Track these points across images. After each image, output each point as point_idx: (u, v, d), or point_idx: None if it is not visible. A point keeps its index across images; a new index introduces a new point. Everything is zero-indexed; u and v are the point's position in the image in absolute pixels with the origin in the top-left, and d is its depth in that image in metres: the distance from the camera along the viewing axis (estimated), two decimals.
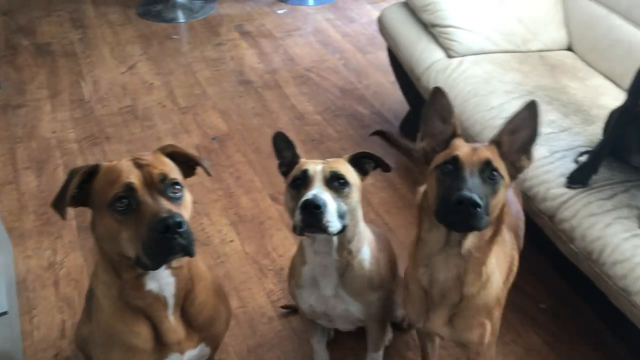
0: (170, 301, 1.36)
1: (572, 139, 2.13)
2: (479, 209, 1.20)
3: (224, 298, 1.56)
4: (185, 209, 1.27)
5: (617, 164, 2.01)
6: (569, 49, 2.78)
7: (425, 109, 1.40)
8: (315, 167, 1.47)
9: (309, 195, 1.39)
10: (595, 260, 1.79)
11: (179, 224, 1.17)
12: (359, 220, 1.60)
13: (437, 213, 1.28)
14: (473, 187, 1.23)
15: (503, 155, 1.35)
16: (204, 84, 3.65)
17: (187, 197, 1.31)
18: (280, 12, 4.55)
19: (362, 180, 1.60)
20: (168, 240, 1.17)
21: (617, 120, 1.89)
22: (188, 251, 1.22)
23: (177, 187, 1.27)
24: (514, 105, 2.28)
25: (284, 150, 1.59)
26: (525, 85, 2.42)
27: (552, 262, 2.30)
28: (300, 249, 1.66)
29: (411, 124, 3.17)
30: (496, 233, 1.36)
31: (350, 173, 1.52)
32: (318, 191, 1.41)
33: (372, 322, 1.79)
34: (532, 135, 1.35)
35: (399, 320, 2.08)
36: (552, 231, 1.95)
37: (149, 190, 1.22)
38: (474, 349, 1.56)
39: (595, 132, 2.13)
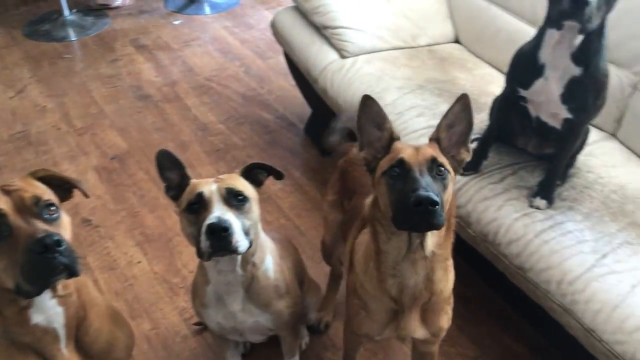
0: (62, 333, 1.29)
1: None
2: (437, 207, 1.20)
3: (122, 322, 1.49)
4: (64, 230, 1.22)
5: (505, 148, 2.10)
6: (456, 41, 2.89)
7: (358, 119, 1.39)
8: (209, 187, 1.41)
9: (212, 218, 1.33)
10: (492, 241, 1.87)
11: (58, 242, 1.12)
12: (260, 231, 1.57)
13: (394, 219, 1.26)
14: (427, 186, 1.22)
15: (444, 151, 1.37)
16: (100, 103, 3.52)
17: (65, 218, 1.25)
18: (176, 22, 4.46)
19: (257, 191, 1.56)
20: (48, 261, 1.11)
21: (499, 107, 1.98)
22: (72, 270, 1.17)
23: (52, 208, 1.21)
24: (406, 100, 2.36)
25: (170, 171, 1.48)
26: (416, 79, 2.48)
27: (455, 247, 2.38)
28: (202, 269, 1.59)
29: (315, 126, 3.19)
30: (450, 226, 1.38)
31: (246, 187, 1.47)
32: (221, 212, 1.35)
33: (283, 330, 1.77)
34: (467, 127, 1.39)
35: (313, 322, 2.08)
36: None
37: (21, 215, 1.16)
38: (436, 336, 1.56)
39: (484, 119, 2.22)
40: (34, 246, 1.10)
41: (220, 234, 1.32)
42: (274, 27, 3.03)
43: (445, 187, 1.29)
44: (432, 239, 1.33)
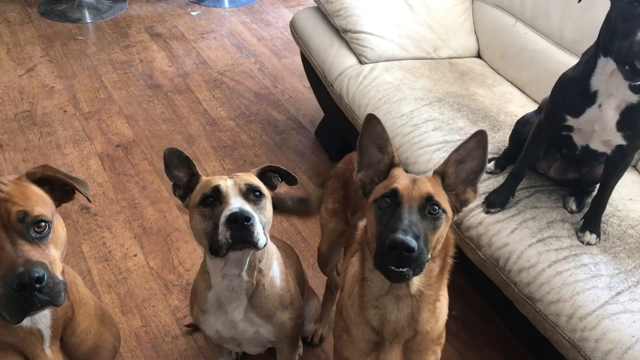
0: (47, 333, 1.21)
1: None
2: (413, 253, 1.10)
3: (110, 323, 1.42)
4: (54, 248, 1.12)
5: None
6: (478, 56, 2.82)
7: (360, 139, 1.30)
8: (225, 182, 1.36)
9: (233, 208, 1.28)
10: (502, 267, 1.79)
11: (38, 279, 1.02)
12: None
13: (375, 259, 1.17)
14: (409, 227, 1.12)
15: (448, 187, 1.27)
16: (110, 88, 3.46)
17: (58, 232, 1.15)
18: (193, 13, 4.40)
19: (271, 194, 1.50)
20: (26, 298, 1.03)
21: (536, 138, 1.84)
22: (52, 304, 1.08)
23: (42, 224, 1.10)
24: (424, 112, 2.29)
25: (178, 170, 1.44)
26: (435, 92, 2.41)
27: (461, 269, 2.30)
28: (204, 274, 1.51)
29: (326, 131, 3.12)
30: (444, 266, 1.28)
31: (262, 185, 1.43)
32: (241, 204, 1.30)
33: (283, 343, 1.69)
34: (480, 167, 1.27)
35: (308, 334, 2.01)
36: (460, 239, 1.94)
37: (6, 233, 1.05)
38: None
39: (502, 139, 2.15)
40: (12, 282, 1.01)
41: (242, 223, 1.26)
42: (293, 27, 2.96)
43: (435, 227, 1.19)
44: (419, 279, 1.24)
